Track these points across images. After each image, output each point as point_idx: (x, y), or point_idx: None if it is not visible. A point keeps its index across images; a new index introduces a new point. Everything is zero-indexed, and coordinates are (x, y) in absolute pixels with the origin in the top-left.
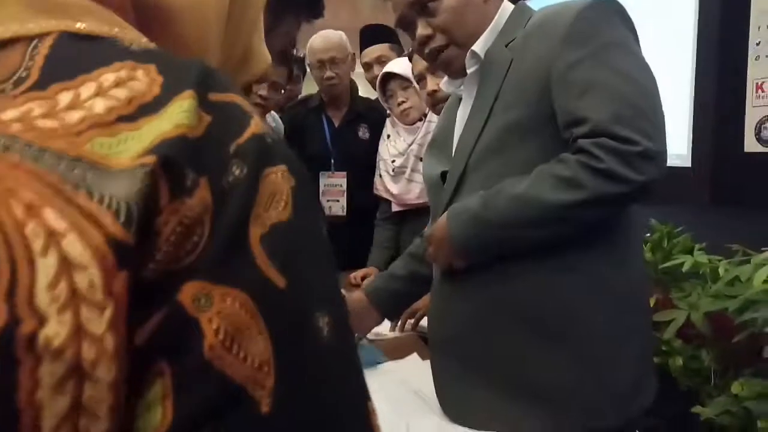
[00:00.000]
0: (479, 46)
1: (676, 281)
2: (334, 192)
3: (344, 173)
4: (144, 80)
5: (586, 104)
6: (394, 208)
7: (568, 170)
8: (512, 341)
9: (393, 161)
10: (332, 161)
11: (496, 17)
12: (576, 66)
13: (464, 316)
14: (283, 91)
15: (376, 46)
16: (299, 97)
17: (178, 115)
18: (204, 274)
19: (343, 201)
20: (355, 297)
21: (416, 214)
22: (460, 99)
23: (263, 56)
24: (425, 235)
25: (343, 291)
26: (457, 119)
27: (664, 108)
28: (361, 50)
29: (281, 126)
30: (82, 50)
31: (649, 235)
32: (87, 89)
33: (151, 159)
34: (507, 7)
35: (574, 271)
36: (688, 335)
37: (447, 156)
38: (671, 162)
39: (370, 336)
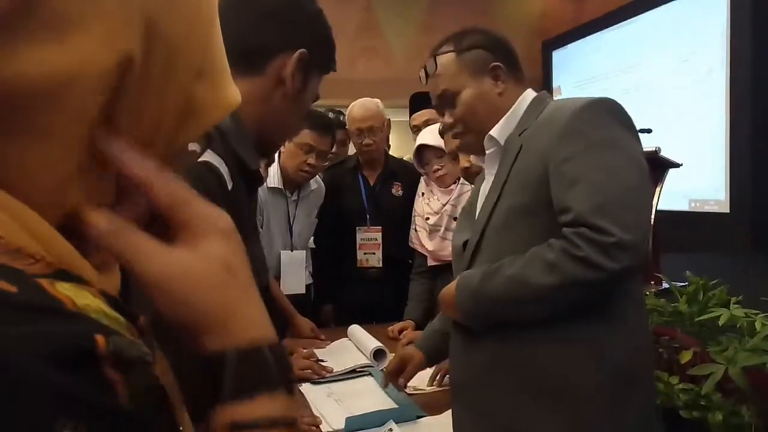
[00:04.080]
0: (496, 131)
1: (712, 334)
2: (369, 245)
3: (379, 227)
4: None
5: (572, 196)
6: (430, 262)
7: (551, 255)
8: (511, 398)
9: (427, 219)
10: (368, 216)
11: (514, 106)
12: (568, 160)
13: (472, 365)
14: (328, 157)
15: (425, 110)
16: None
17: None
18: None
19: (379, 253)
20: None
21: (450, 269)
22: None
23: (221, 104)
24: (440, 295)
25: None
26: (480, 193)
27: (697, 150)
28: (410, 114)
29: (323, 187)
30: None
31: (684, 286)
32: None
33: None
34: (528, 97)
35: (571, 337)
36: (727, 389)
37: (470, 226)
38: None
39: (409, 390)
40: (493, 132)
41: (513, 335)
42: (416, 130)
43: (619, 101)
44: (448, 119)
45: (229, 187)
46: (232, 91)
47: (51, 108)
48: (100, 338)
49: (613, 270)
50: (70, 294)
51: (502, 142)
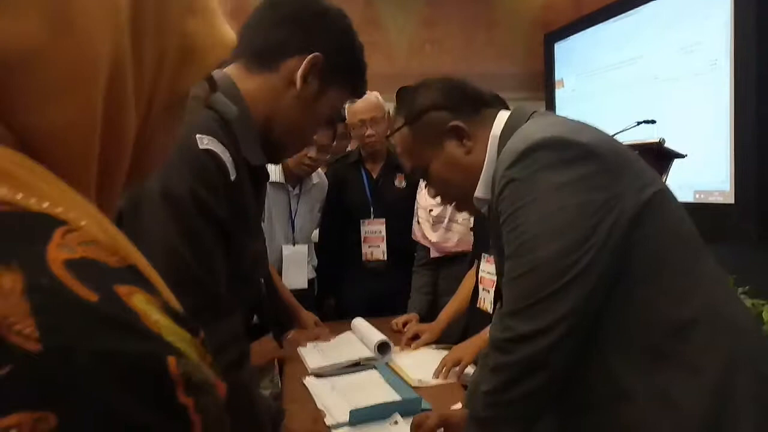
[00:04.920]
0: (481, 191)
1: None
2: (374, 238)
3: (383, 220)
4: None
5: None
6: (432, 254)
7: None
8: None
9: (430, 210)
10: (372, 209)
11: (488, 154)
12: (503, 226)
13: None
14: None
15: None
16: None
17: None
18: None
19: (383, 246)
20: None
21: (453, 261)
22: None
23: (219, 43)
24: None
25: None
26: None
27: (702, 140)
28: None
29: (325, 181)
30: None
31: None
32: None
33: None
34: (496, 132)
35: (627, 397)
36: None
37: None
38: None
39: (413, 383)
40: (478, 193)
41: (570, 410)
42: None
43: (623, 93)
44: (430, 192)
45: (232, 178)
46: (228, 30)
47: (55, 64)
48: (172, 360)
49: (511, 362)
50: (145, 308)
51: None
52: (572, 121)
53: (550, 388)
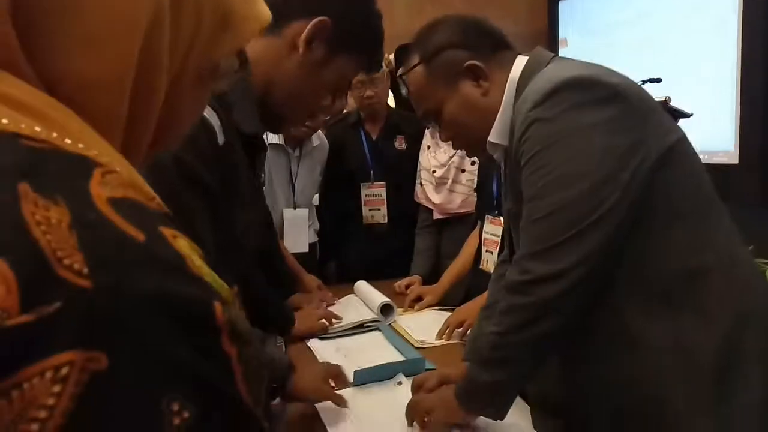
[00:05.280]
0: (495, 135)
1: None
2: (374, 201)
3: (383, 183)
4: None
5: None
6: (436, 216)
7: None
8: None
9: (434, 172)
10: (372, 172)
11: (505, 96)
12: (524, 168)
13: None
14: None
15: None
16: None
17: None
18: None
19: (384, 209)
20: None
21: (456, 223)
22: None
23: (255, 16)
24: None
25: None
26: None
27: (707, 99)
28: (397, 68)
29: (326, 143)
30: None
31: None
32: None
33: None
34: (515, 76)
35: (638, 344)
36: None
37: None
38: (718, 159)
39: (417, 344)
40: (492, 137)
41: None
42: (403, 83)
43: (628, 52)
44: (442, 135)
45: (221, 142)
46: (264, 6)
47: (96, 13)
48: (218, 306)
49: (527, 303)
50: (189, 252)
51: (506, 142)
52: (596, 65)
53: (562, 332)
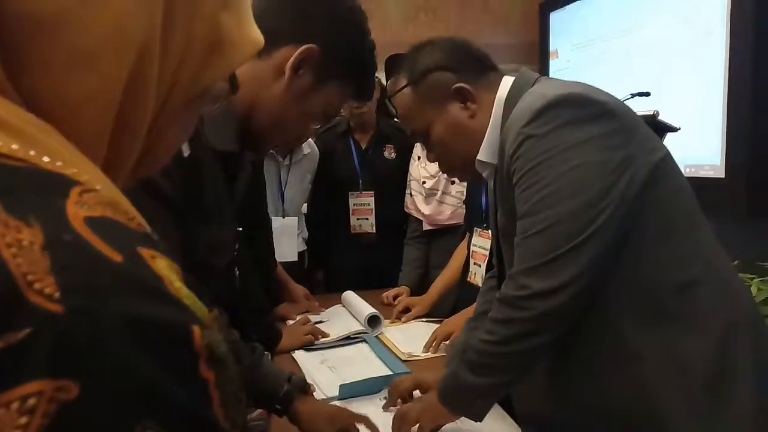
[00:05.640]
0: (483, 154)
1: None
2: (363, 210)
3: (372, 193)
4: None
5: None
6: (425, 227)
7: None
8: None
9: (424, 182)
10: (360, 181)
11: (492, 117)
12: (517, 185)
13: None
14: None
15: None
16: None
17: None
18: None
19: (372, 219)
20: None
21: (445, 234)
22: None
23: (247, 40)
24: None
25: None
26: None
27: (694, 113)
28: (387, 79)
29: (316, 151)
30: None
31: None
32: None
33: None
34: (502, 96)
35: (637, 358)
36: None
37: None
38: (704, 173)
39: (403, 357)
40: (481, 156)
41: (566, 358)
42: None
43: (617, 64)
44: (429, 156)
45: (185, 154)
46: (257, 31)
47: (86, 31)
48: (197, 330)
49: (525, 317)
50: (168, 274)
51: (495, 161)
52: (582, 83)
53: (551, 344)
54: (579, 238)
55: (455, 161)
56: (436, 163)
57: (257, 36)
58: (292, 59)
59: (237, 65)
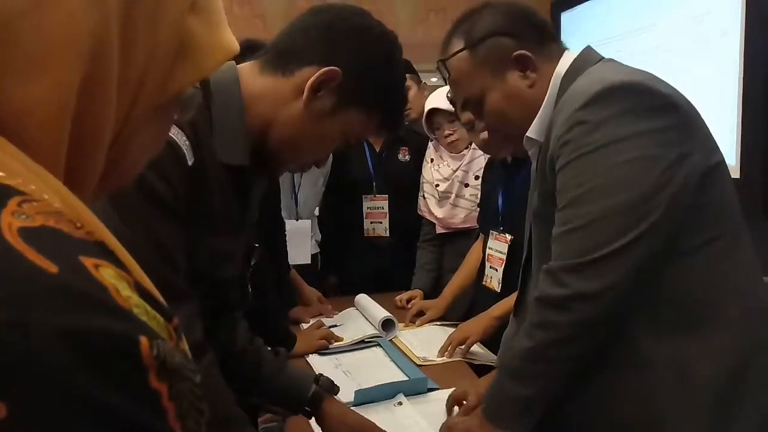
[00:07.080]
0: (533, 131)
1: None
2: (376, 214)
3: (386, 196)
4: None
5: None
6: (438, 230)
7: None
8: None
9: (437, 185)
10: (374, 184)
11: (549, 90)
12: (561, 171)
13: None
14: None
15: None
16: None
17: None
18: None
19: (386, 222)
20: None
21: (459, 237)
22: None
23: (219, 45)
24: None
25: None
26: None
27: (708, 114)
28: None
29: (330, 154)
30: None
31: None
32: None
33: None
34: (561, 71)
35: (647, 366)
36: None
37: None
38: None
39: (419, 361)
40: (531, 133)
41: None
42: None
43: (629, 64)
44: (480, 126)
45: (190, 162)
46: (231, 37)
47: (37, 34)
48: (144, 340)
49: (566, 321)
50: (115, 282)
51: (543, 139)
52: (647, 72)
53: (592, 350)
54: (625, 238)
55: (509, 131)
56: (451, 162)
57: (231, 41)
58: (312, 79)
59: (207, 72)
